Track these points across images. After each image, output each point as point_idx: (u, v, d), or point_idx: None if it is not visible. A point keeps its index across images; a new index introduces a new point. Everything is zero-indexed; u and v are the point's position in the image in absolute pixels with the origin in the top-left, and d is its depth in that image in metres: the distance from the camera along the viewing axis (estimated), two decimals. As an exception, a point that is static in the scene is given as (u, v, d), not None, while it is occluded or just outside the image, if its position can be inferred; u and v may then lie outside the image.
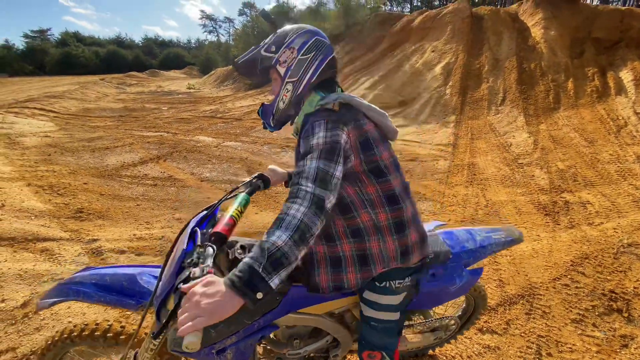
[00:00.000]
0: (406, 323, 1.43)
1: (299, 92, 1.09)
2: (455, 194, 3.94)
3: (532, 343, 1.87)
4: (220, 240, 0.93)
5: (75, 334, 1.09)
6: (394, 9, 37.08)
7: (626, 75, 6.97)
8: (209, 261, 0.83)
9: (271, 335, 1.17)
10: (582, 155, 4.86)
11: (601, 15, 9.08)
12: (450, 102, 7.57)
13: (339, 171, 0.90)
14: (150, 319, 1.24)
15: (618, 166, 4.41)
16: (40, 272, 2.42)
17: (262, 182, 1.32)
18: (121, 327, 1.12)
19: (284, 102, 1.11)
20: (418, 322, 1.47)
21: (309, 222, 0.79)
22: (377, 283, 1.08)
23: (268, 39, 1.11)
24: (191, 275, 0.78)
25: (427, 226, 1.32)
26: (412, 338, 1.50)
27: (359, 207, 1.02)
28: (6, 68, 34.60)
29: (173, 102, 12.80)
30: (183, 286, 0.76)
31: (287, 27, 1.11)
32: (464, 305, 1.66)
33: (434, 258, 1.18)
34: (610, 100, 6.57)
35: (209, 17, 61.99)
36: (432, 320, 1.48)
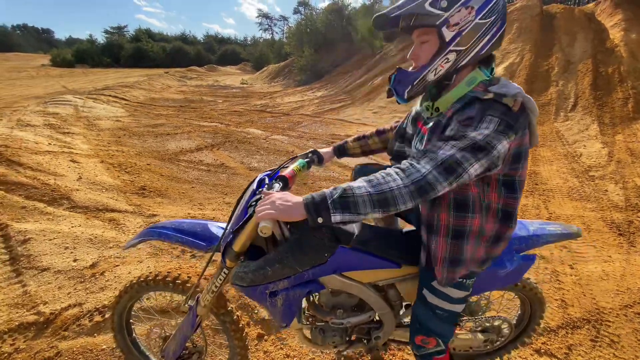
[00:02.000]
0: None
1: (461, 64, 0.90)
2: (512, 204, 3.64)
3: (598, 374, 1.66)
4: (285, 183, 1.09)
5: (151, 278, 1.28)
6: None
7: None
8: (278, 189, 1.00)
9: (316, 301, 1.23)
10: (670, 173, 4.20)
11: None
12: (511, 106, 7.01)
13: (472, 171, 0.80)
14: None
15: None
16: (108, 239, 2.69)
17: (317, 158, 1.40)
18: (188, 276, 1.31)
19: (435, 74, 0.91)
20: (467, 319, 1.40)
21: (398, 196, 0.78)
22: None
23: None
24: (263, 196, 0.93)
25: None
26: (461, 335, 1.42)
27: (477, 210, 0.93)
28: (88, 60, 38.87)
29: (227, 96, 13.49)
30: (264, 190, 0.94)
31: None
32: (519, 312, 1.53)
33: None
34: None
35: (265, 16, 64.06)
36: (482, 318, 1.40)
